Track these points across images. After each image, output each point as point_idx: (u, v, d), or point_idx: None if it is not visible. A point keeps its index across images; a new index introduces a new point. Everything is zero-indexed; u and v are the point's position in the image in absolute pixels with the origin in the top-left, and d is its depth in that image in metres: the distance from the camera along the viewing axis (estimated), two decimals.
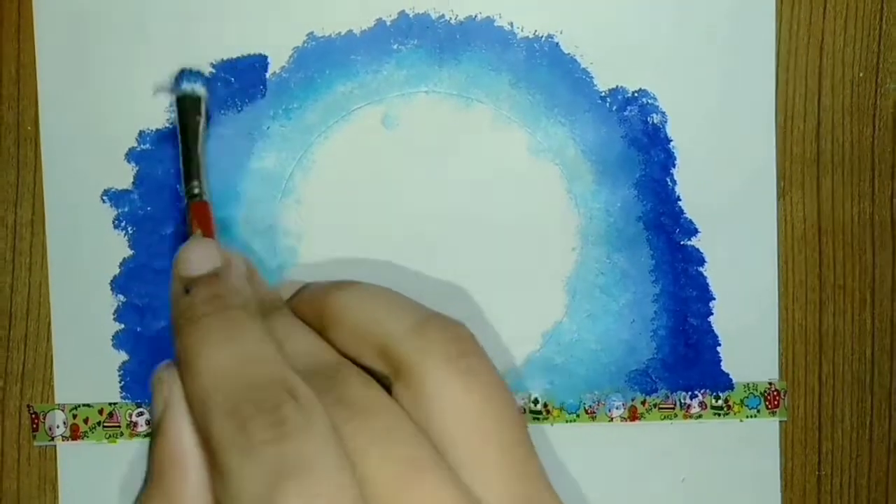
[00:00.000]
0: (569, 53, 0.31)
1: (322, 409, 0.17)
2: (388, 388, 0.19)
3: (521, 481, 0.18)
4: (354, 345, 0.20)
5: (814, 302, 0.33)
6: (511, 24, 0.31)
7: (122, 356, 0.31)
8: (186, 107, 0.28)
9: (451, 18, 0.31)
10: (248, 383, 0.17)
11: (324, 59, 0.31)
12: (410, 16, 0.31)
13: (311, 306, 0.21)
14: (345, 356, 0.20)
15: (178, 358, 0.19)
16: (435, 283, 0.31)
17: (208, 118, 0.29)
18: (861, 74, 0.32)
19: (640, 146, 0.32)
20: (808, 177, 0.32)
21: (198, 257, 0.22)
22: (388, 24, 0.31)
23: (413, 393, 0.18)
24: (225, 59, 0.31)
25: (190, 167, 0.27)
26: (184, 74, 0.29)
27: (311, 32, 0.31)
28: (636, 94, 0.31)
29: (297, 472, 0.15)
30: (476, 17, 0.31)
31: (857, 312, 0.33)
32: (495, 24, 0.31)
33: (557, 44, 0.31)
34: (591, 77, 0.31)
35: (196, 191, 0.26)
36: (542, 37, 0.31)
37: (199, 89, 0.29)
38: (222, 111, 0.31)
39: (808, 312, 0.33)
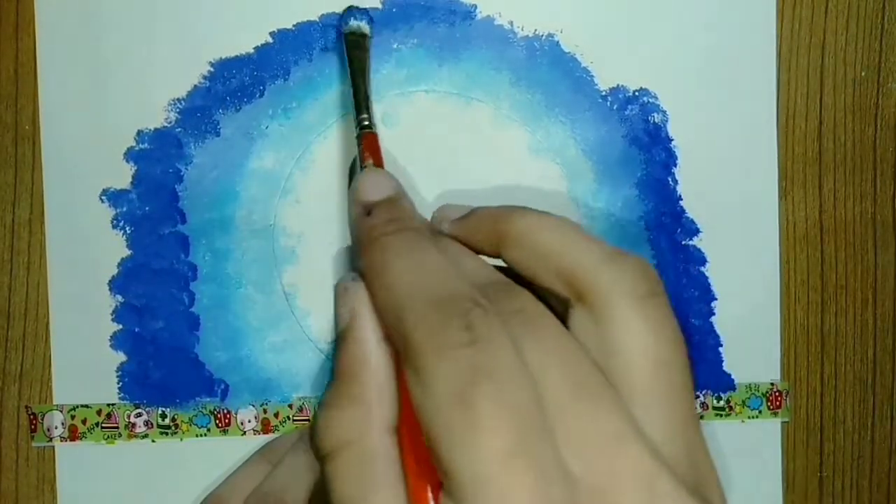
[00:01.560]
0: (569, 52, 0.31)
1: (501, 322, 0.18)
2: (554, 309, 0.20)
3: (685, 428, 0.18)
4: (534, 265, 0.21)
5: (816, 302, 0.32)
6: (511, 23, 0.31)
7: (121, 357, 0.31)
8: (353, 43, 0.29)
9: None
10: (437, 293, 0.18)
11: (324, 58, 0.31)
12: None
13: (487, 226, 0.23)
14: (517, 277, 0.21)
15: (363, 273, 0.21)
16: None
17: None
18: (863, 74, 0.32)
19: (642, 145, 0.31)
20: (809, 176, 0.32)
21: (376, 184, 0.24)
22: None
23: (597, 320, 0.19)
24: (225, 58, 0.31)
25: (359, 100, 0.28)
26: (351, 12, 0.30)
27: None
28: (637, 93, 0.31)
29: (489, 375, 0.16)
30: (476, 16, 0.31)
31: (860, 312, 0.33)
32: (495, 23, 0.31)
33: (558, 42, 0.31)
34: (592, 76, 0.31)
35: (366, 122, 0.28)
36: (542, 36, 0.31)
37: (365, 27, 0.30)
38: (221, 110, 0.31)
39: (810, 312, 0.32)
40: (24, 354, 0.31)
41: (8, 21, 0.31)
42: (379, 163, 0.26)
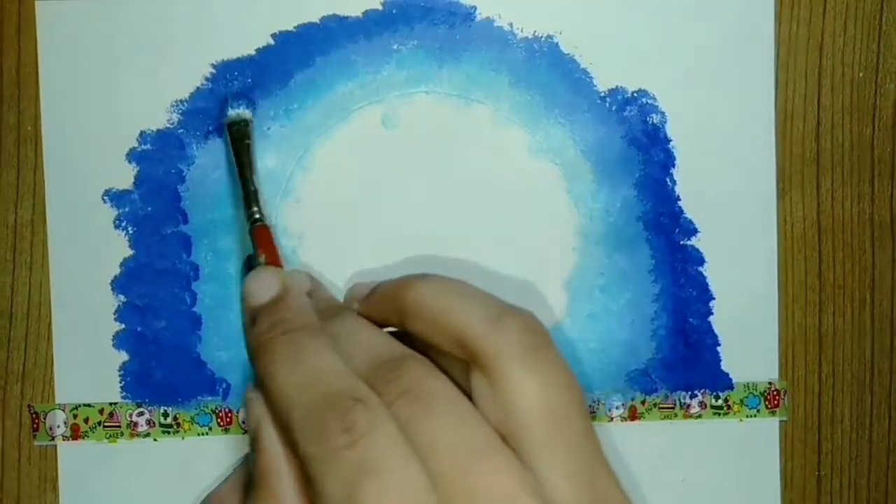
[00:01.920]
0: (568, 54, 0.31)
1: (386, 410, 0.18)
2: (456, 376, 0.20)
3: (591, 473, 0.19)
4: (431, 333, 0.21)
5: (813, 302, 0.33)
6: (511, 25, 0.31)
7: (123, 356, 0.31)
8: (236, 133, 0.29)
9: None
10: (317, 397, 0.19)
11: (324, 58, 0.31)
12: None
13: (388, 301, 0.23)
14: (426, 345, 0.21)
15: (258, 382, 0.21)
16: None
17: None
18: (861, 74, 0.32)
19: (640, 146, 0.32)
20: (807, 177, 0.32)
21: (259, 288, 0.24)
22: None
23: (491, 382, 0.19)
24: (225, 59, 0.31)
25: (248, 193, 0.28)
26: (227, 100, 0.29)
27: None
28: (635, 95, 0.32)
29: (371, 473, 0.17)
30: (476, 17, 0.31)
31: (857, 312, 0.33)
32: (495, 24, 0.31)
33: (557, 44, 0.31)
34: (591, 77, 0.31)
35: (257, 216, 0.27)
36: (541, 37, 0.31)
37: (246, 112, 0.29)
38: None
39: (808, 312, 0.33)
40: (26, 354, 0.32)
41: (10, 22, 0.31)
42: (273, 257, 0.26)
